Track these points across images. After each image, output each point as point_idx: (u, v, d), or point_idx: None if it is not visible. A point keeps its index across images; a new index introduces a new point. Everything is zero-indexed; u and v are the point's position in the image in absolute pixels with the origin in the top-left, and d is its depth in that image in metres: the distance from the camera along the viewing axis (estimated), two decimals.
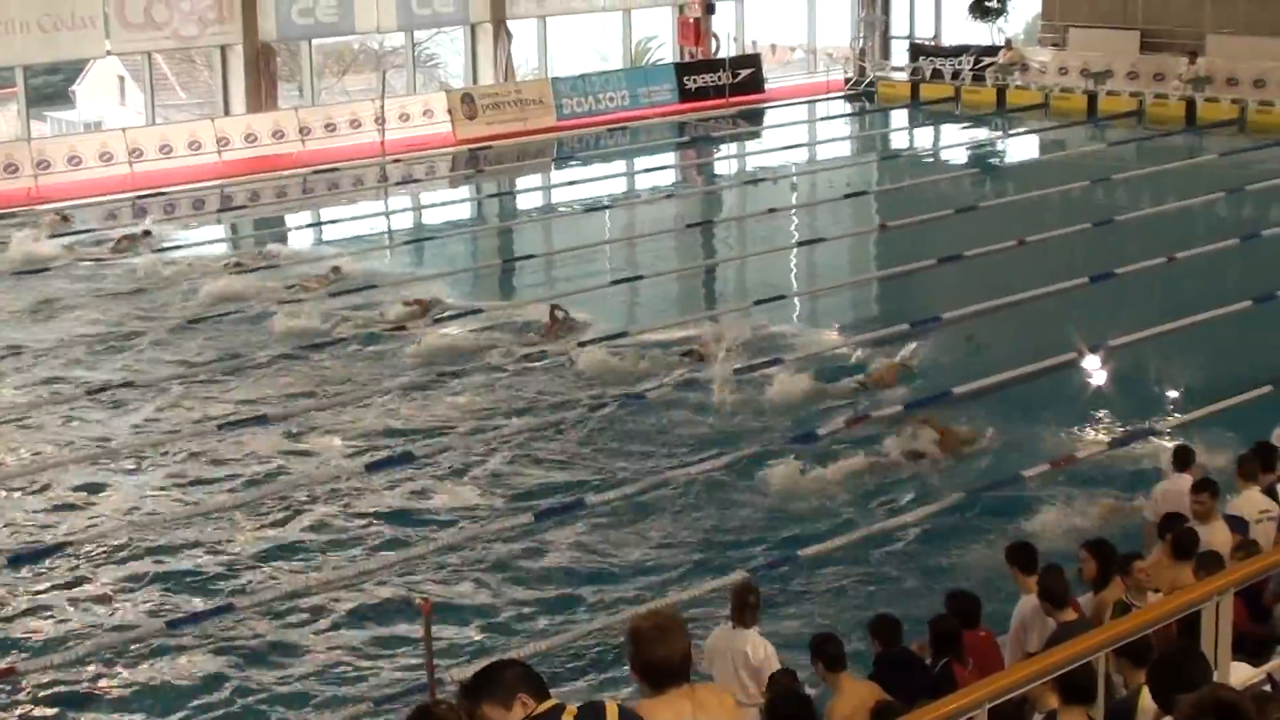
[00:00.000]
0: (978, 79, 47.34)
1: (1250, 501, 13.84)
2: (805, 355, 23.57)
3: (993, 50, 47.93)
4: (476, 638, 15.36)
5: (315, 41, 43.57)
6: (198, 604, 16.18)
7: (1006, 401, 21.54)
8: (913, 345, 23.36)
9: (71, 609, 16.22)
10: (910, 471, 19.30)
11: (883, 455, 19.60)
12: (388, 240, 33.43)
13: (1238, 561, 11.33)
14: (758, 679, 11.85)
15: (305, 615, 15.94)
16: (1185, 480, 14.95)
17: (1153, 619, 8.50)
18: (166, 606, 16.18)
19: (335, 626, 15.73)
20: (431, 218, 36.61)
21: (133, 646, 15.35)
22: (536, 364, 23.54)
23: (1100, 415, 20.94)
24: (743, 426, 20.77)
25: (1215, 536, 13.11)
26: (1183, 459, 15.76)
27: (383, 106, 39.33)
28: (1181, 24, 44.79)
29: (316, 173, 38.62)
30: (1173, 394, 21.71)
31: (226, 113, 41.19)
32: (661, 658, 6.80)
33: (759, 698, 11.59)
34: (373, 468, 19.63)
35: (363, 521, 18.17)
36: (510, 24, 45.14)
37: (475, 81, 45.02)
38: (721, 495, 18.61)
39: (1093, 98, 45.09)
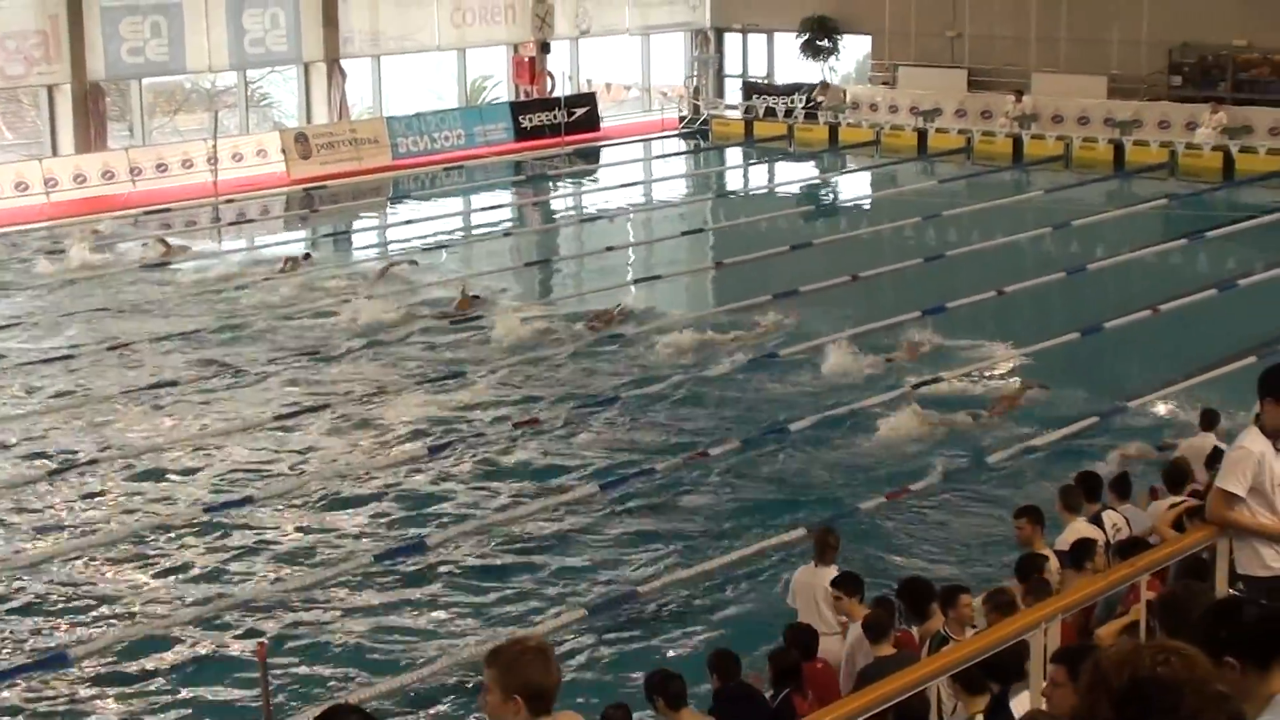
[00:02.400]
0: (810, 117, 47.98)
1: (1076, 533, 14.10)
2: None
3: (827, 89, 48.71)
4: (317, 680, 15.25)
5: (146, 81, 43.05)
6: (26, 654, 15.90)
7: (843, 430, 21.85)
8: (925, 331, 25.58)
9: None
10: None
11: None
12: None
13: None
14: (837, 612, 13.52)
15: (141, 659, 15.72)
16: (1209, 439, 16.96)
17: (980, 648, 8.66)
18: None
19: (171, 670, 15.53)
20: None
21: None
22: (377, 405, 23.49)
23: (932, 448, 21.26)
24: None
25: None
26: (1209, 420, 17.80)
27: (215, 146, 39.02)
28: (1007, 63, 45.73)
29: (148, 213, 38.13)
30: (1003, 425, 22.08)
31: (54, 153, 40.53)
32: (545, 681, 6.38)
33: (837, 627, 13.50)
34: (213, 509, 19.44)
35: (199, 562, 17.97)
36: (344, 63, 44.96)
37: (309, 121, 44.77)
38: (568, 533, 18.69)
39: (923, 135, 45.87)
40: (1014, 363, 24.79)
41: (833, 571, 13.92)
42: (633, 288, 31.29)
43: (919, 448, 21.16)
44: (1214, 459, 15.00)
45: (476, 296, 29.02)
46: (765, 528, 18.55)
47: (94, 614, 16.78)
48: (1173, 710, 4.54)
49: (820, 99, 48.01)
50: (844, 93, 48.41)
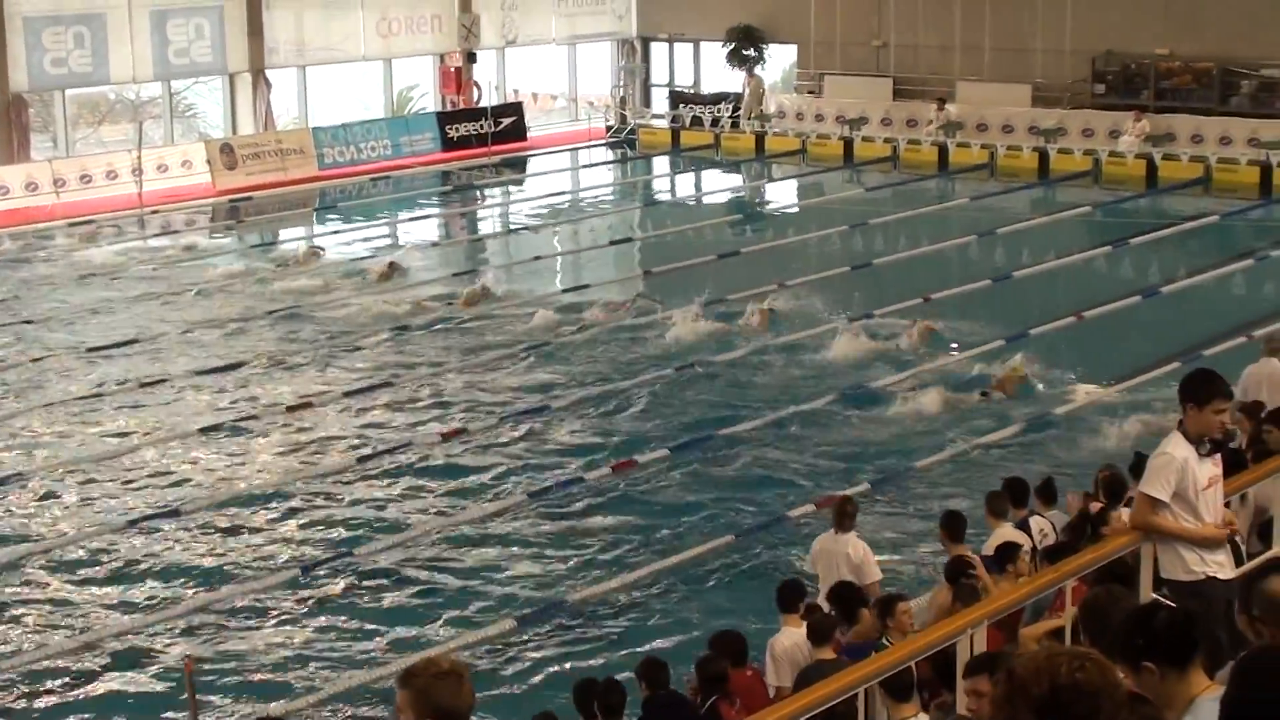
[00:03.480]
0: (736, 126, 48.12)
1: (1001, 538, 14.18)
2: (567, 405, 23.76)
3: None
4: (244, 692, 15.17)
5: (69, 92, 42.74)
6: None
7: (768, 441, 21.94)
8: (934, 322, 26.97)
9: None
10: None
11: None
12: None
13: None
14: (858, 575, 14.32)
15: (68, 672, 15.60)
16: None
17: (908, 654, 8.71)
18: None
19: (98, 684, 15.41)
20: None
21: None
22: (305, 415, 23.39)
23: (858, 451, 21.38)
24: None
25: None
26: None
27: (139, 157, 38.75)
28: (932, 72, 45.98)
29: (73, 225, 37.80)
30: (927, 433, 22.19)
31: None
32: (459, 705, 6.27)
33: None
34: (138, 521, 19.28)
35: (124, 575, 17.84)
36: (269, 73, 44.76)
37: (235, 131, 44.49)
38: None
39: (849, 143, 46.04)
40: (943, 369, 24.91)
41: (852, 537, 14.80)
42: (560, 297, 31.21)
43: (856, 450, 21.38)
44: (1137, 466, 15.14)
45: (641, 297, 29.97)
46: (695, 535, 18.58)
47: (17, 626, 16.63)
48: (1091, 716, 4.62)
49: (744, 89, 48.38)
50: (764, 88, 48.74)
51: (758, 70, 49.59)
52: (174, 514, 19.56)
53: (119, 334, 27.90)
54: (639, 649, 15.02)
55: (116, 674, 15.63)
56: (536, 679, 15.30)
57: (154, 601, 17.23)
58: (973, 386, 23.76)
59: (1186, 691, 6.05)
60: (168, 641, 16.24)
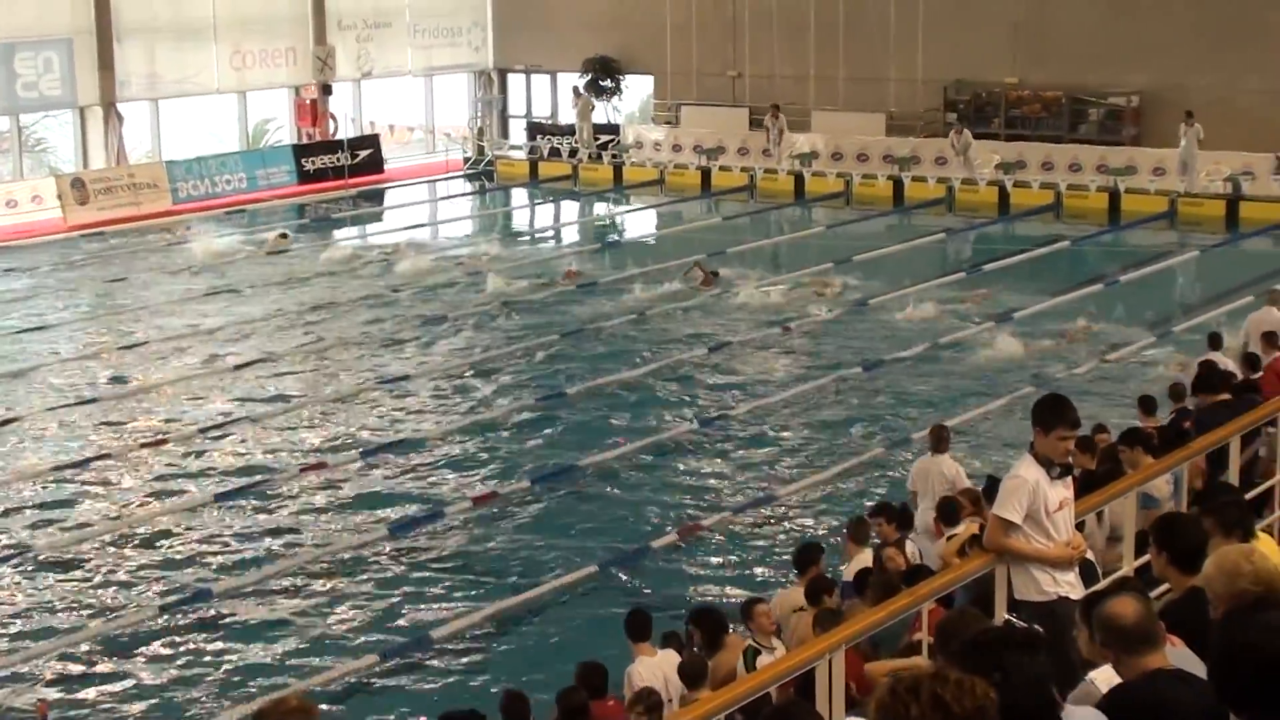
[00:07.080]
0: (594, 156, 48.29)
1: (862, 563, 14.29)
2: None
3: (611, 129, 49.10)
4: None
5: None
6: None
7: (630, 471, 21.97)
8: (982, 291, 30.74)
9: None
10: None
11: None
12: None
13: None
14: (954, 488, 16.17)
15: None
16: (1217, 355, 19.31)
17: (769, 679, 8.74)
18: None
19: None
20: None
21: None
22: (158, 448, 23.09)
23: (721, 481, 21.47)
24: None
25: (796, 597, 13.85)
26: (1215, 341, 20.33)
27: None
28: (787, 101, 46.27)
29: None
30: (788, 460, 22.33)
31: None
32: None
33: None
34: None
35: None
36: (121, 107, 44.23)
37: (86, 166, 43.90)
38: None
39: (706, 173, 46.35)
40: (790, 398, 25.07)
41: (947, 458, 16.98)
42: (419, 326, 31.08)
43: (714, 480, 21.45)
44: (990, 489, 15.38)
45: (715, 273, 33.07)
46: (557, 566, 18.56)
47: None
48: None
49: (575, 110, 48.91)
50: (592, 107, 49.12)
51: (582, 91, 49.72)
52: (25, 550, 19.23)
53: None
54: (500, 682, 14.96)
55: None
56: (400, 714, 15.21)
57: (5, 643, 16.92)
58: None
59: None
60: (20, 686, 15.94)
